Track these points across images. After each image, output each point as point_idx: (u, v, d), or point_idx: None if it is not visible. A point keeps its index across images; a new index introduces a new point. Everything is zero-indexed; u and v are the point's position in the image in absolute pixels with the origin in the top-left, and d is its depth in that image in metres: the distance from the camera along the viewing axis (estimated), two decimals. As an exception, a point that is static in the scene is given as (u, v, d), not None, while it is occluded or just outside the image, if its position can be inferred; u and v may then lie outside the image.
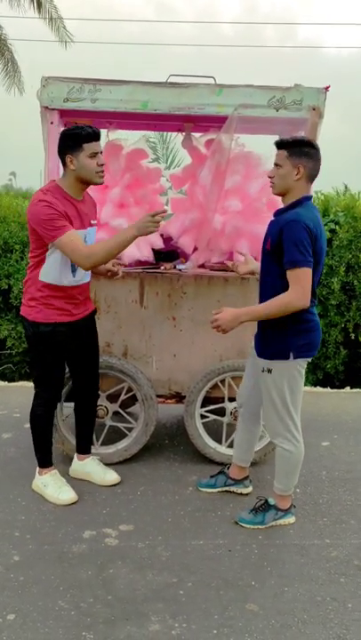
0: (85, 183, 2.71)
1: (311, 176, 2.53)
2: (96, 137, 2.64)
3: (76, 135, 2.60)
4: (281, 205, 2.61)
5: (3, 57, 14.29)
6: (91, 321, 2.98)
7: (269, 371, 2.61)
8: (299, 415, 2.68)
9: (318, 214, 2.55)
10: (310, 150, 2.50)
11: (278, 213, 2.59)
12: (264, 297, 2.59)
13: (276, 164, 2.55)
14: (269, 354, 2.61)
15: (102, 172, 2.69)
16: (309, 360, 2.66)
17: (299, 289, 2.43)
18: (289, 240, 2.41)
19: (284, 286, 2.48)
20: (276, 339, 2.57)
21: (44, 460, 2.98)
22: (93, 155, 2.62)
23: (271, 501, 2.78)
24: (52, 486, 2.93)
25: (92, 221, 2.82)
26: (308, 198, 2.56)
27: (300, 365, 2.60)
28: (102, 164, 2.68)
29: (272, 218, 2.63)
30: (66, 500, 2.88)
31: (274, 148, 2.59)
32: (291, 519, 2.81)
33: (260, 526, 2.74)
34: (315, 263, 2.47)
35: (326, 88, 2.96)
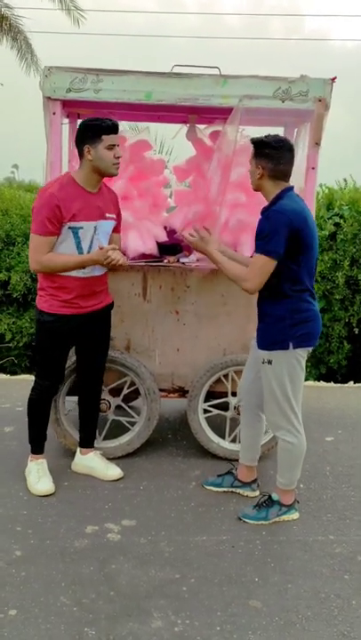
0: (100, 174, 2.73)
1: (274, 176, 2.55)
2: (115, 129, 2.68)
3: (96, 126, 2.64)
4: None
5: (16, 41, 13.83)
6: (103, 314, 2.96)
7: (269, 362, 2.61)
8: (300, 407, 2.66)
9: (303, 202, 2.59)
10: (271, 151, 2.52)
11: (264, 211, 2.61)
12: (259, 292, 2.61)
13: (249, 161, 2.63)
14: (269, 344, 2.61)
15: (118, 163, 2.73)
16: (310, 350, 2.66)
17: (253, 273, 2.51)
18: (265, 227, 2.48)
19: (278, 282, 2.52)
20: (275, 329, 2.58)
21: (35, 447, 3.00)
22: (111, 147, 2.66)
23: (275, 497, 2.76)
24: (34, 475, 2.94)
25: (108, 214, 2.81)
26: (289, 189, 2.58)
27: (299, 355, 2.60)
28: (119, 157, 2.71)
29: (260, 217, 2.63)
30: (41, 491, 2.88)
31: None
32: (294, 515, 2.79)
33: (263, 522, 2.72)
34: (306, 250, 2.50)
35: (333, 79, 2.92)
